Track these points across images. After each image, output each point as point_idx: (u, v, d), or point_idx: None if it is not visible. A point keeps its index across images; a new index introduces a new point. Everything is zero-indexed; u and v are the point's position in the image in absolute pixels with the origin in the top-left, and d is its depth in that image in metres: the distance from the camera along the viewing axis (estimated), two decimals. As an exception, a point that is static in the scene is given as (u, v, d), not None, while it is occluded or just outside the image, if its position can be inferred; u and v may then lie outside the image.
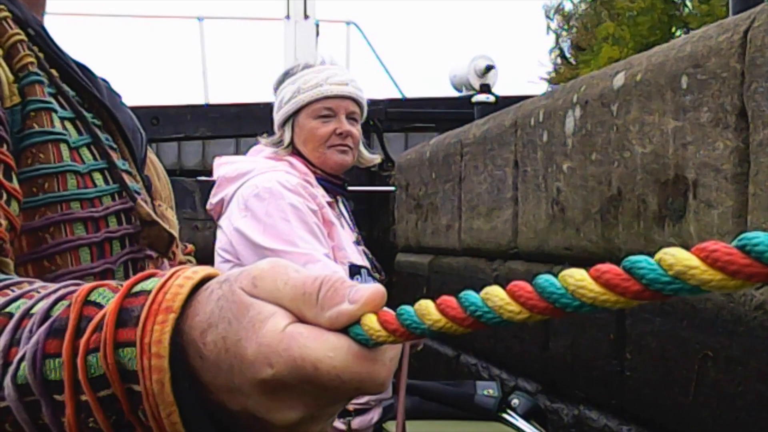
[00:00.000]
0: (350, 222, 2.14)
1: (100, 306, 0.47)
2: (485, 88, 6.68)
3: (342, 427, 1.97)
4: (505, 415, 2.93)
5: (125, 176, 0.85)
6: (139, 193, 0.87)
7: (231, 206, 1.98)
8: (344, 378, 0.43)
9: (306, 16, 7.68)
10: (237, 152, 6.96)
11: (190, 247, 1.01)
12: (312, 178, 2.01)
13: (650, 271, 0.34)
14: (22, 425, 0.47)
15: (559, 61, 19.81)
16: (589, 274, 0.37)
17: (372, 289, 0.44)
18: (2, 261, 0.69)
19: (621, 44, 16.09)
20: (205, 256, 2.01)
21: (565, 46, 19.79)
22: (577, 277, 0.37)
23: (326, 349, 0.43)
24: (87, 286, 0.49)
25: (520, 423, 2.88)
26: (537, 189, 3.05)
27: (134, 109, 1.02)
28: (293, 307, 0.44)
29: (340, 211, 2.11)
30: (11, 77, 0.77)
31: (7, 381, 0.47)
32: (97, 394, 0.45)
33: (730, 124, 1.94)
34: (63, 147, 0.78)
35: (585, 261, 2.66)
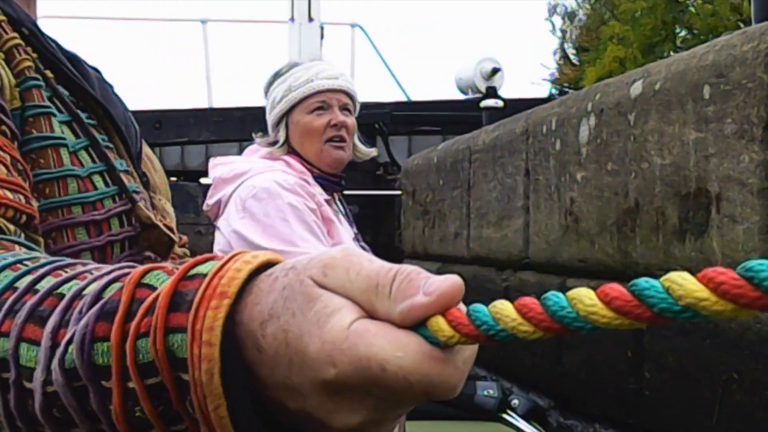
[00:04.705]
0: (348, 218, 2.12)
1: (153, 288, 0.44)
2: (491, 91, 6.60)
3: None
4: (505, 416, 2.90)
5: (124, 177, 0.85)
6: (138, 193, 0.87)
7: (228, 208, 1.96)
8: (412, 380, 0.39)
9: (310, 19, 7.60)
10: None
11: (184, 238, 0.99)
12: (309, 177, 1.99)
13: (660, 301, 0.34)
14: (70, 411, 0.45)
15: (561, 62, 19.74)
16: (598, 298, 0.36)
17: (449, 281, 0.39)
18: (34, 239, 0.67)
19: (625, 44, 16.02)
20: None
21: (568, 46, 19.72)
22: (587, 302, 0.36)
23: (394, 348, 0.38)
24: (142, 267, 0.46)
25: (520, 423, 2.84)
26: (549, 198, 2.97)
27: (137, 113, 1.02)
28: (364, 300, 0.40)
29: (338, 207, 2.09)
30: (13, 80, 0.77)
31: (55, 365, 0.45)
32: (144, 382, 0.43)
33: (756, 137, 1.87)
34: (63, 151, 0.78)
35: (600, 274, 2.58)
